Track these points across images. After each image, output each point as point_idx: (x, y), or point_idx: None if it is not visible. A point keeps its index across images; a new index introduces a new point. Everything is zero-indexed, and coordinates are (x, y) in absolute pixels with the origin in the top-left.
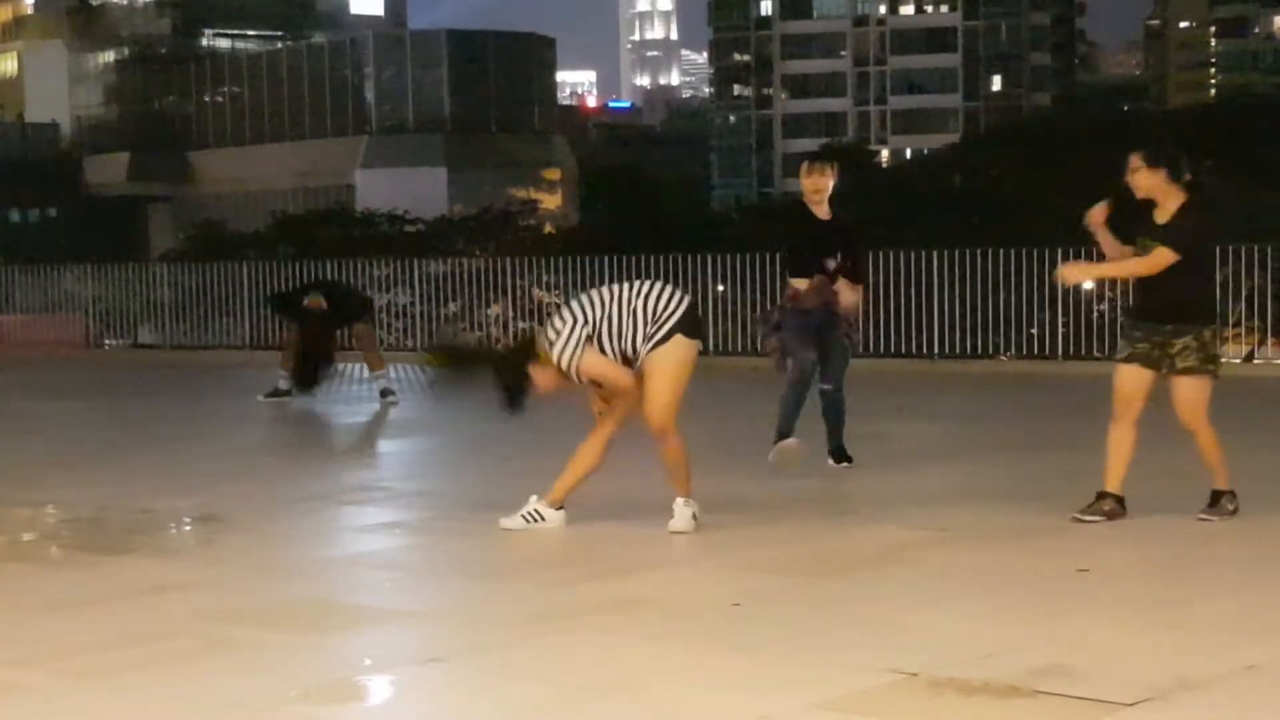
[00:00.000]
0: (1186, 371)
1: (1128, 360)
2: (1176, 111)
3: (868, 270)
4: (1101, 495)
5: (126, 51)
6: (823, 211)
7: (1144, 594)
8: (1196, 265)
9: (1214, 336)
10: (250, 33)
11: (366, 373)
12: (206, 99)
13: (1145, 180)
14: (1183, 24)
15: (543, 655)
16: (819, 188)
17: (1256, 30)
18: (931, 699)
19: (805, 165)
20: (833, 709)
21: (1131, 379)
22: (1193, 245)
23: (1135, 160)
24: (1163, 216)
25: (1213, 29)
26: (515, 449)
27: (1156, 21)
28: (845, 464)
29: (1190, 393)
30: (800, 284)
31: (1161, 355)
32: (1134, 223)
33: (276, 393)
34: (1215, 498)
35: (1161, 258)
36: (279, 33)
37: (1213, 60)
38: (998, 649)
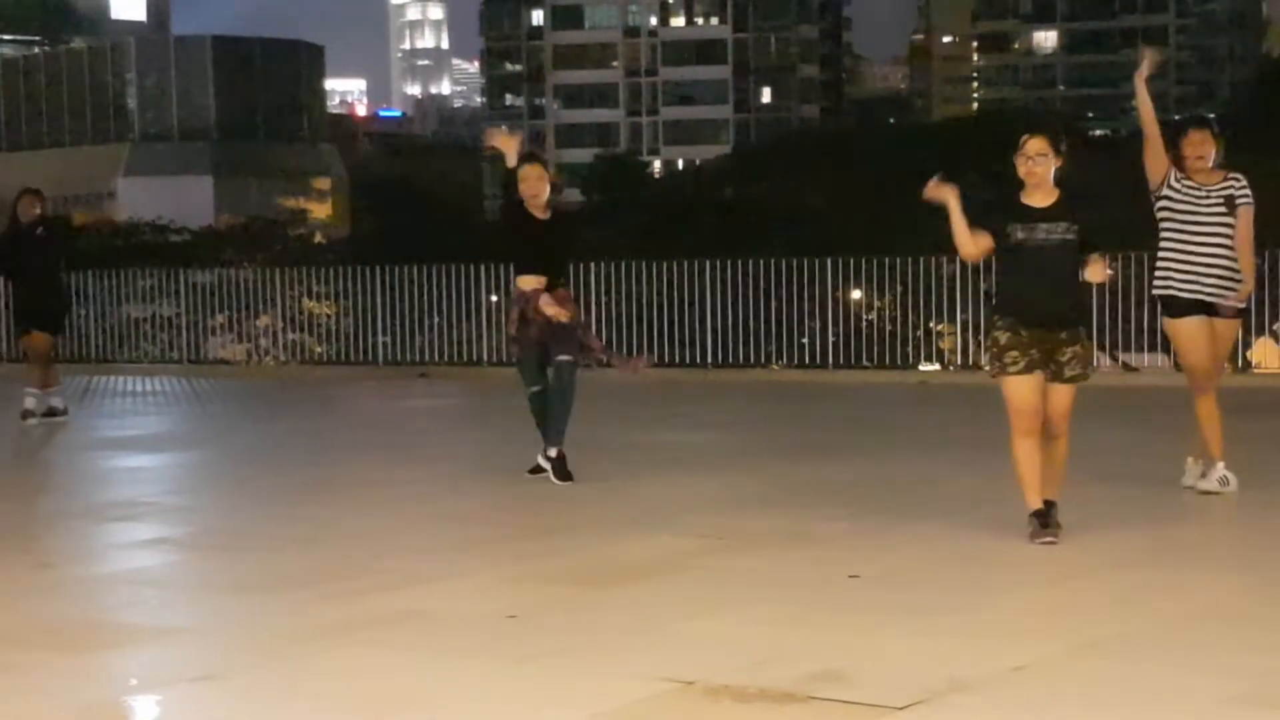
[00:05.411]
0: (1073, 380)
1: (1023, 372)
2: (943, 123)
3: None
4: (1037, 514)
5: None
6: (541, 211)
7: (915, 599)
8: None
9: (1090, 341)
10: (5, 37)
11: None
12: None
13: (1050, 165)
14: (946, 39)
15: (316, 670)
16: (537, 191)
17: (1016, 46)
18: (708, 706)
19: (528, 168)
20: (610, 719)
21: (1030, 389)
22: None
23: (1041, 144)
24: (1045, 200)
25: (975, 44)
26: (285, 463)
27: (920, 36)
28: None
29: (1071, 399)
30: (528, 282)
31: (1047, 360)
32: (992, 210)
33: (52, 412)
34: (1052, 508)
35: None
36: (36, 37)
37: (974, 75)
38: (773, 655)
